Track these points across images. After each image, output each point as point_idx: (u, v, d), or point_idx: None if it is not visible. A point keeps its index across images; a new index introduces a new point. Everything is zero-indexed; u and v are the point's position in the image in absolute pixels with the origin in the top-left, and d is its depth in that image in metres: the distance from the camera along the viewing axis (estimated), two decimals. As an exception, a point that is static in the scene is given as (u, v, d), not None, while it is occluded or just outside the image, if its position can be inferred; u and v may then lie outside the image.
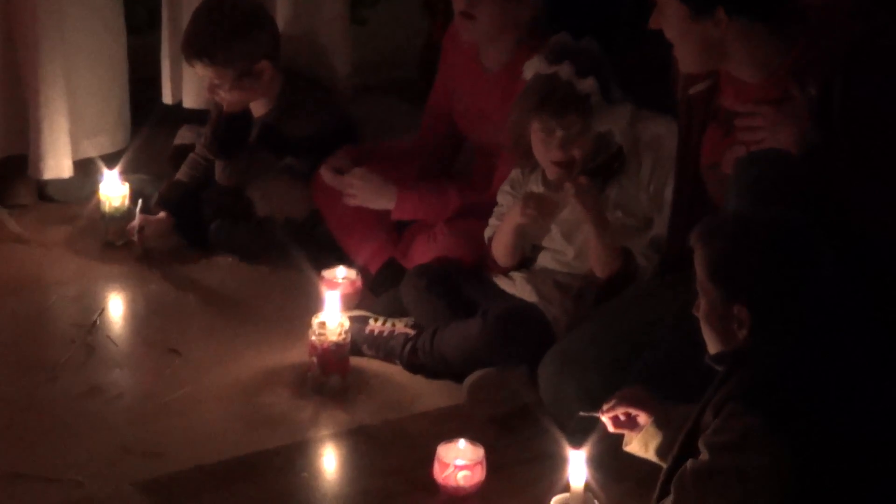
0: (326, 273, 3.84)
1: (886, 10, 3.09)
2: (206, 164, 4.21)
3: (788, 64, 3.01)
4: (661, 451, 2.78)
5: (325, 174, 3.97)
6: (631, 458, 2.88)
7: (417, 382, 3.52)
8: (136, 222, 4.08)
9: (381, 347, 3.59)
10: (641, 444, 2.83)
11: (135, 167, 4.39)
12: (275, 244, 4.06)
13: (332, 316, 3.45)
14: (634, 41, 4.05)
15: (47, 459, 3.14)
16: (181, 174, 4.24)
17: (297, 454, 3.21)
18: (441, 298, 3.57)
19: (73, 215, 4.31)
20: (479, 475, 3.06)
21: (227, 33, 4.01)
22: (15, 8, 4.15)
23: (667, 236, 3.38)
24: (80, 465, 3.12)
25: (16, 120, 4.26)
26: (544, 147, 3.46)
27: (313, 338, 3.43)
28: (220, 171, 4.15)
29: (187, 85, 4.49)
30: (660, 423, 2.79)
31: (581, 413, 2.93)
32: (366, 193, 3.90)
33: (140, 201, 4.12)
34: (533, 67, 3.51)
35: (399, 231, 3.96)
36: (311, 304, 3.62)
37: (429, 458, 3.07)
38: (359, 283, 3.86)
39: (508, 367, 3.39)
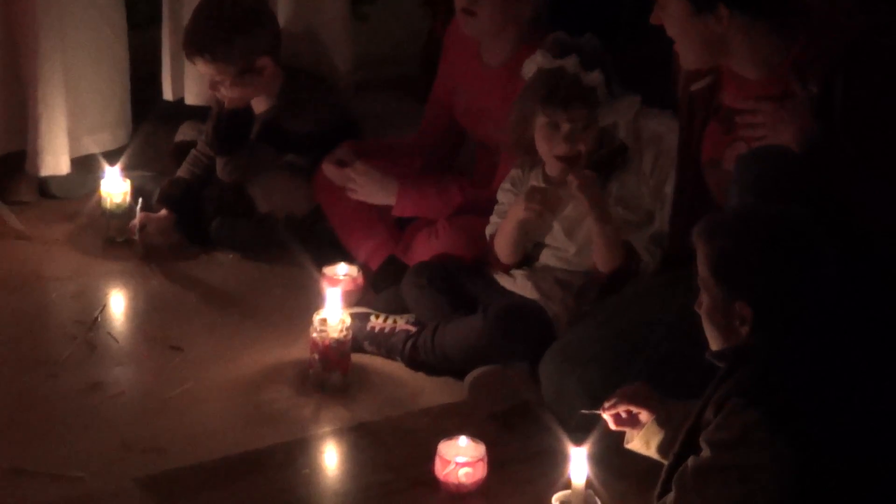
0: (328, 270, 3.84)
1: (887, 7, 3.10)
2: (207, 160, 4.21)
3: (789, 61, 3.01)
4: (662, 449, 2.79)
5: (327, 168, 3.98)
6: (632, 455, 2.88)
7: (419, 379, 3.52)
8: (137, 219, 4.08)
9: (383, 344, 3.59)
10: (643, 442, 2.83)
11: (136, 164, 4.39)
12: (276, 241, 4.06)
13: (334, 313, 3.45)
14: (635, 38, 4.05)
15: (48, 456, 3.14)
16: (182, 171, 4.24)
17: (299, 451, 3.21)
18: (442, 295, 3.57)
19: (75, 212, 4.31)
20: (480, 472, 3.06)
21: (228, 30, 4.01)
22: (15, 6, 4.15)
23: (668, 233, 3.38)
24: (81, 461, 3.12)
25: (16, 116, 4.26)
26: (549, 142, 3.46)
27: (314, 335, 3.43)
28: (221, 167, 4.15)
29: (188, 81, 4.49)
30: (661, 420, 2.80)
31: (583, 411, 2.93)
32: (367, 188, 3.90)
33: (141, 198, 4.11)
34: (534, 64, 3.51)
35: (400, 228, 3.96)
36: (313, 300, 3.62)
37: (430, 454, 3.07)
38: (360, 279, 3.86)
39: (509, 365, 3.39)
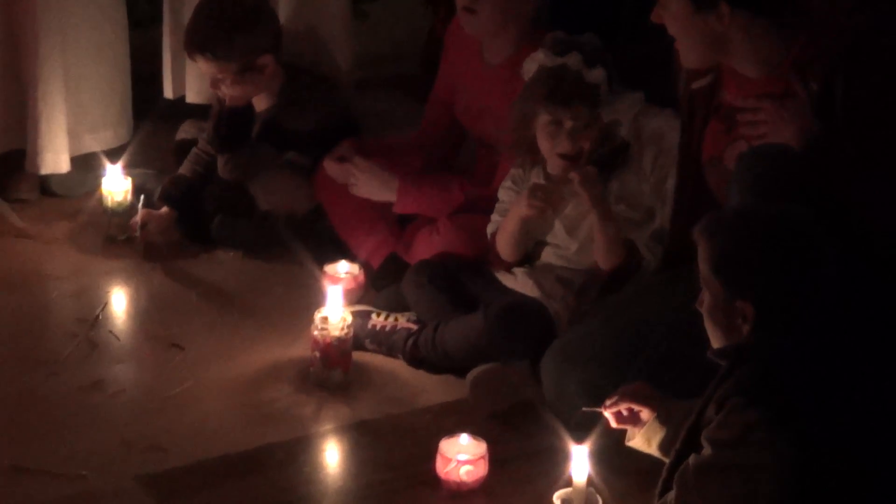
0: (329, 268, 3.84)
1: (887, 6, 3.09)
2: (208, 158, 4.21)
3: (790, 59, 3.01)
4: (663, 447, 2.79)
5: (328, 165, 3.98)
6: (633, 453, 2.88)
7: (420, 377, 3.52)
8: (138, 217, 4.08)
9: (384, 342, 3.60)
10: (644, 440, 2.83)
11: (137, 162, 4.38)
12: (277, 239, 4.06)
13: (335, 311, 3.45)
14: (635, 37, 4.05)
15: (49, 454, 3.14)
16: (184, 169, 4.24)
17: (300, 449, 3.21)
18: (443, 293, 3.57)
19: (76, 210, 4.30)
20: (481, 470, 3.06)
21: (229, 28, 4.01)
22: (16, 5, 4.15)
23: (669, 231, 3.38)
24: (83, 459, 3.12)
25: (17, 115, 4.26)
26: (551, 140, 3.46)
27: (315, 333, 3.43)
28: (222, 166, 4.15)
29: (190, 80, 4.49)
30: (662, 418, 2.80)
31: (584, 408, 2.94)
32: (368, 184, 3.90)
33: (142, 196, 4.11)
34: (534, 62, 3.51)
35: (401, 226, 3.96)
36: (314, 298, 3.62)
37: (431, 453, 3.07)
38: (361, 277, 3.86)
39: (511, 363, 3.39)
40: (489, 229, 3.63)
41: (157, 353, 3.59)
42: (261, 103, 4.19)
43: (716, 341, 2.63)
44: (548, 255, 3.57)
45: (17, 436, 3.22)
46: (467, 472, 3.04)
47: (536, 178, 3.56)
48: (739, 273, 2.54)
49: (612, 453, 2.96)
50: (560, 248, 3.55)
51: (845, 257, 2.58)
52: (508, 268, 3.59)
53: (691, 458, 2.55)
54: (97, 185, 4.24)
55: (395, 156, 4.04)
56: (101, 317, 3.73)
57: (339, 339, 3.43)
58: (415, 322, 3.60)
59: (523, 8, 3.76)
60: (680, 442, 2.63)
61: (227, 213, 4.13)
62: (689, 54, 3.11)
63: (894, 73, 2.95)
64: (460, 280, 3.61)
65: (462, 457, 3.04)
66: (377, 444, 3.25)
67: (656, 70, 3.58)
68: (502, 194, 3.64)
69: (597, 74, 3.41)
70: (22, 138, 4.27)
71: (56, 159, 4.27)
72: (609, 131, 3.48)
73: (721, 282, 2.56)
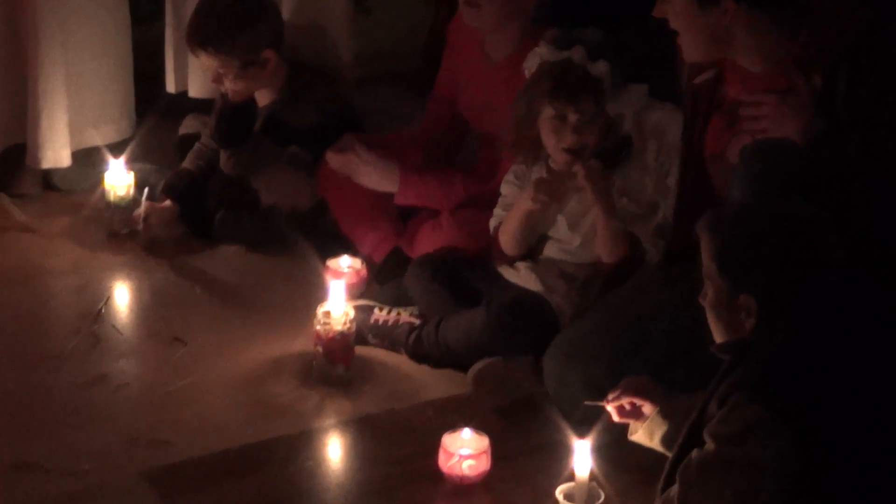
0: (331, 262, 3.84)
1: (890, 2, 3.09)
2: (211, 153, 4.22)
3: (793, 54, 3.01)
4: (666, 441, 2.79)
5: (331, 156, 3.97)
6: (636, 447, 2.89)
7: (422, 372, 3.52)
8: (141, 209, 4.08)
9: (386, 337, 3.60)
10: (647, 434, 2.83)
11: (140, 156, 4.38)
12: (279, 234, 4.06)
13: (337, 305, 3.45)
14: (637, 32, 4.05)
15: (52, 449, 3.15)
16: (187, 163, 4.24)
17: (302, 444, 3.22)
18: (446, 288, 3.57)
19: (78, 204, 4.30)
20: (483, 465, 3.06)
21: (231, 23, 4.01)
22: (18, 1, 4.15)
23: (671, 226, 3.38)
24: (86, 454, 3.13)
25: (19, 109, 4.26)
26: (556, 135, 3.45)
27: (318, 327, 3.43)
28: (224, 160, 4.15)
29: (192, 74, 4.49)
30: (665, 412, 2.80)
31: (586, 402, 2.94)
32: (370, 175, 3.90)
33: (145, 190, 4.12)
34: (537, 57, 3.51)
35: (404, 221, 3.96)
36: (316, 293, 3.62)
37: (434, 447, 3.07)
38: (364, 272, 3.86)
39: (513, 357, 3.39)
40: (492, 224, 3.63)
41: (160, 347, 3.59)
42: (263, 98, 4.19)
43: (718, 336, 2.62)
44: (550, 250, 3.57)
45: (20, 431, 3.22)
46: (470, 467, 3.04)
47: (539, 172, 3.56)
48: (743, 267, 2.54)
49: (615, 448, 2.96)
50: (563, 242, 3.55)
51: (848, 251, 2.58)
52: (511, 262, 3.59)
53: (694, 453, 2.55)
54: (100, 180, 4.23)
55: (397, 151, 4.03)
56: (103, 311, 3.73)
57: (342, 334, 3.43)
58: (417, 317, 3.60)
59: (525, 2, 3.75)
60: (682, 436, 2.63)
61: (229, 207, 4.13)
62: (691, 49, 3.11)
63: (897, 68, 2.96)
64: (463, 275, 3.61)
65: (464, 451, 3.04)
66: (379, 438, 3.25)
67: (658, 65, 3.58)
68: (505, 189, 3.63)
69: (601, 68, 3.40)
70: (24, 133, 4.27)
71: (57, 154, 4.27)
72: (613, 125, 3.47)
73: (724, 276, 2.55)
